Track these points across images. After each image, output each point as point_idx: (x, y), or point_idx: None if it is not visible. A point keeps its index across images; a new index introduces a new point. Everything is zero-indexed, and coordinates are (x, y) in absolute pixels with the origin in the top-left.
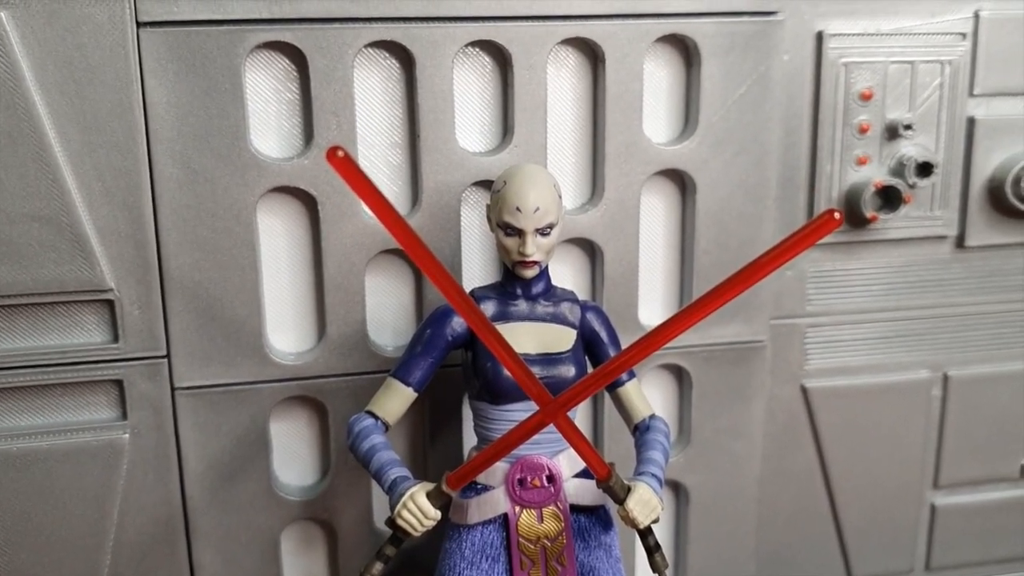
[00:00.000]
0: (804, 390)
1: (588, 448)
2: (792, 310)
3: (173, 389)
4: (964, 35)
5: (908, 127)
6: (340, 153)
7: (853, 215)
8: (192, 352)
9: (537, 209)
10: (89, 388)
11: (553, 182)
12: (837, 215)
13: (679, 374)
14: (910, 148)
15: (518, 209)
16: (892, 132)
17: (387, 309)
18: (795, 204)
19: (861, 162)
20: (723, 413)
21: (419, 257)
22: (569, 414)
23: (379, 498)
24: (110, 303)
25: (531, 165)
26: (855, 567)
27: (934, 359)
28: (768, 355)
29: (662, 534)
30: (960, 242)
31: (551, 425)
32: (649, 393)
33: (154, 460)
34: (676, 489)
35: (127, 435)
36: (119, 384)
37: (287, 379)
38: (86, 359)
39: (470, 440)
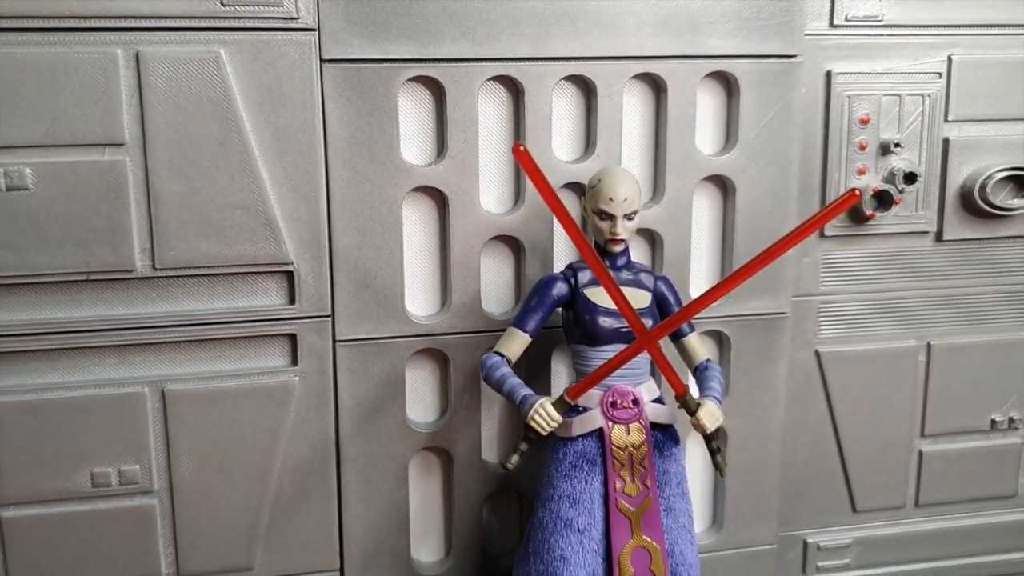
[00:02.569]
0: (818, 354)
1: (671, 370)
2: (808, 289)
3: (335, 341)
4: (940, 74)
5: (897, 145)
6: (522, 148)
7: (856, 214)
8: (350, 312)
9: (625, 199)
10: (268, 341)
11: (635, 179)
12: (858, 192)
13: (720, 339)
14: (899, 161)
15: (611, 199)
16: (885, 149)
17: (494, 283)
18: (811, 204)
19: (861, 172)
20: (754, 370)
21: (568, 226)
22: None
23: (487, 433)
24: (290, 274)
25: (619, 167)
26: (858, 501)
27: (920, 331)
28: (789, 325)
29: (706, 469)
30: (939, 236)
31: (638, 359)
32: None
33: (316, 399)
34: (716, 431)
35: (297, 378)
36: (292, 338)
37: (419, 335)
38: (268, 317)
39: (557, 383)
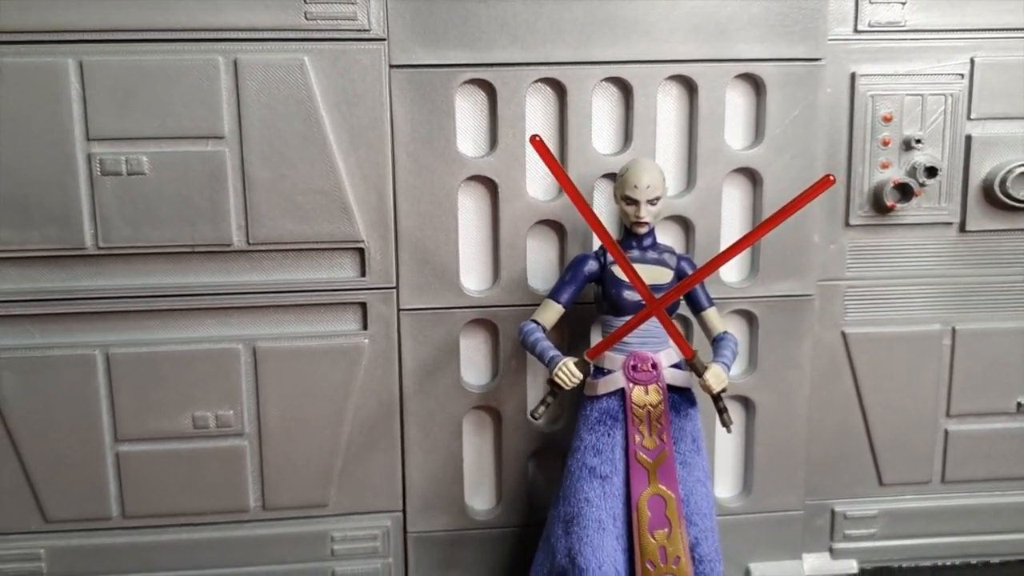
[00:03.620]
0: (844, 335)
1: (679, 336)
2: (835, 274)
3: (399, 310)
4: (962, 75)
5: (919, 141)
6: (538, 138)
7: (879, 204)
8: (412, 285)
9: (648, 186)
10: (342, 308)
11: (659, 169)
12: (832, 177)
13: (750, 318)
14: (920, 156)
15: (635, 186)
16: (907, 145)
17: (539, 262)
18: (836, 195)
19: (884, 166)
20: (782, 348)
21: (579, 204)
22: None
23: (532, 395)
24: (361, 250)
25: (645, 158)
26: (884, 475)
27: (944, 316)
28: (816, 307)
29: (736, 438)
30: (962, 227)
31: (657, 329)
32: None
33: (383, 360)
34: (746, 404)
35: (366, 341)
36: (363, 306)
37: (473, 307)
38: (343, 288)
39: None
